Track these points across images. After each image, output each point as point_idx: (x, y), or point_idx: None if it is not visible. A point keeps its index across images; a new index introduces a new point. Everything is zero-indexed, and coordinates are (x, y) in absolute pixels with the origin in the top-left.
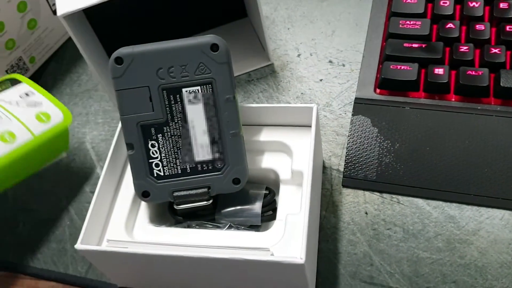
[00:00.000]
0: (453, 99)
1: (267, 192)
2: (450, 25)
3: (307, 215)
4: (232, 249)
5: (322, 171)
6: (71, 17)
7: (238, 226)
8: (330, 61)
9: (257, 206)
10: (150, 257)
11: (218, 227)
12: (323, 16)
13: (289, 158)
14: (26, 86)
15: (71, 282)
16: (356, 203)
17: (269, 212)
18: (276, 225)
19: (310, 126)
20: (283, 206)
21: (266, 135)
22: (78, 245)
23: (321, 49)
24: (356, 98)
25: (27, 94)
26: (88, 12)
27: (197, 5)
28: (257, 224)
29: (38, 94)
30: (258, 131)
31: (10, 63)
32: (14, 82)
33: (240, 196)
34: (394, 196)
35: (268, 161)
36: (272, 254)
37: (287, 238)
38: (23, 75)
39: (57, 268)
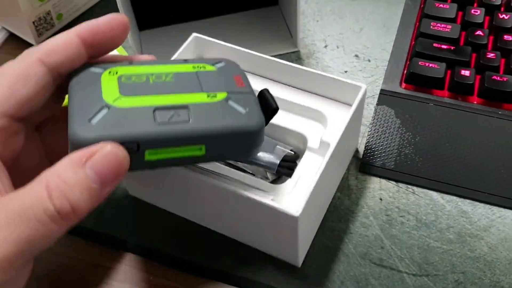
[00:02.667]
0: (476, 102)
1: (292, 152)
2: (479, 32)
3: (317, 177)
4: (240, 184)
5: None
6: None
7: (253, 172)
8: (356, 55)
9: (276, 157)
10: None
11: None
12: (352, 14)
13: (323, 129)
14: None
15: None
16: (372, 189)
17: (286, 170)
18: (288, 183)
19: (351, 105)
20: (302, 171)
21: (306, 100)
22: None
23: (348, 43)
24: (381, 90)
25: None
26: None
27: None
28: (272, 175)
29: None
30: (298, 94)
31: (39, 15)
32: None
33: (265, 145)
34: (409, 186)
35: (301, 126)
36: (272, 199)
37: (293, 196)
38: (47, 30)
39: None
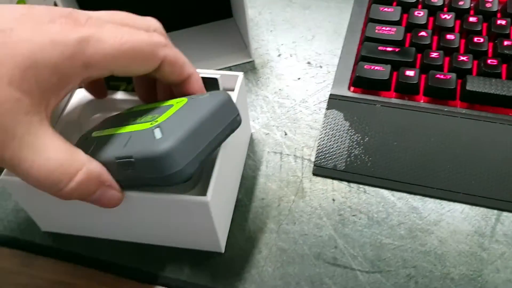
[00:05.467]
0: (422, 100)
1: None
2: (422, 33)
3: (219, 161)
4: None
5: (294, 160)
6: None
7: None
8: (309, 63)
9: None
10: None
11: None
12: (304, 23)
13: None
14: None
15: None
16: (325, 191)
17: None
18: (188, 183)
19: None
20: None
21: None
22: (2, 177)
23: (301, 51)
24: (331, 94)
25: None
26: None
27: (185, 1)
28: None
29: None
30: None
31: None
32: None
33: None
34: (361, 186)
35: None
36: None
37: (199, 190)
38: None
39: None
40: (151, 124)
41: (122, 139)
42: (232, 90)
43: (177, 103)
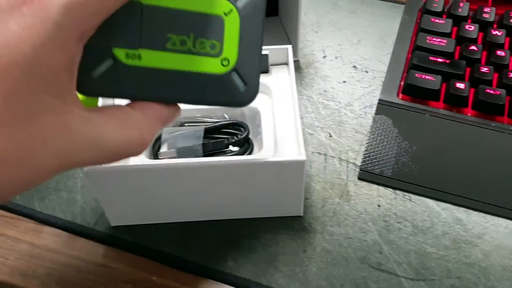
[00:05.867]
0: (470, 114)
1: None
2: (473, 47)
3: (298, 118)
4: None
5: (339, 163)
6: None
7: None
8: (354, 66)
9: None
10: (158, 172)
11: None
12: (350, 26)
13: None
14: None
15: (78, 232)
16: (370, 196)
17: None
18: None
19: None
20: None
21: None
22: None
23: (346, 54)
24: (380, 100)
25: None
26: None
27: None
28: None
29: None
30: None
31: None
32: None
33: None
34: (406, 194)
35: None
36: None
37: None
38: None
39: (65, 217)
40: (223, 66)
41: (189, 81)
42: (282, 64)
43: (226, 16)
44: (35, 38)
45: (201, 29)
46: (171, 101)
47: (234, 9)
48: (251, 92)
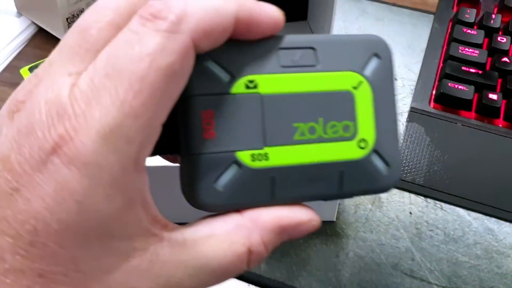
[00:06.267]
0: (501, 125)
1: None
2: (505, 59)
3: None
4: None
5: None
6: None
7: None
8: None
9: None
10: None
11: None
12: (378, 33)
13: None
14: None
15: None
16: (402, 203)
17: None
18: None
19: None
20: None
21: None
22: None
23: None
24: (411, 108)
25: None
26: None
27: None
28: None
29: None
30: None
31: (72, 13)
32: None
33: None
34: (438, 202)
35: None
36: None
37: None
38: None
39: None
40: (361, 148)
41: (324, 174)
42: None
43: (356, 90)
44: (76, 192)
45: (329, 110)
46: (303, 200)
47: (364, 80)
48: (395, 173)
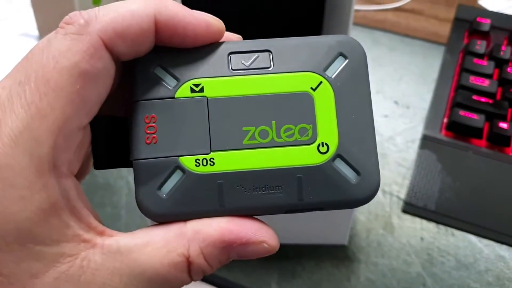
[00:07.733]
0: (511, 153)
1: None
2: None
3: None
4: None
5: (383, 195)
6: None
7: None
8: (396, 102)
9: None
10: None
11: None
12: (391, 63)
13: None
14: None
15: None
16: (413, 229)
17: None
18: None
19: None
20: None
21: None
22: None
23: (388, 90)
24: (424, 135)
25: None
26: None
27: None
28: None
29: None
30: None
31: None
32: None
33: None
34: (449, 228)
35: None
36: None
37: None
38: None
39: None
40: (321, 153)
41: (278, 181)
42: None
43: (315, 91)
44: None
45: (284, 113)
46: (258, 211)
47: (325, 81)
48: (369, 183)
